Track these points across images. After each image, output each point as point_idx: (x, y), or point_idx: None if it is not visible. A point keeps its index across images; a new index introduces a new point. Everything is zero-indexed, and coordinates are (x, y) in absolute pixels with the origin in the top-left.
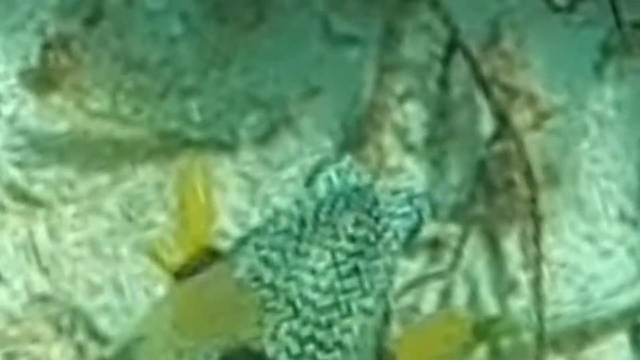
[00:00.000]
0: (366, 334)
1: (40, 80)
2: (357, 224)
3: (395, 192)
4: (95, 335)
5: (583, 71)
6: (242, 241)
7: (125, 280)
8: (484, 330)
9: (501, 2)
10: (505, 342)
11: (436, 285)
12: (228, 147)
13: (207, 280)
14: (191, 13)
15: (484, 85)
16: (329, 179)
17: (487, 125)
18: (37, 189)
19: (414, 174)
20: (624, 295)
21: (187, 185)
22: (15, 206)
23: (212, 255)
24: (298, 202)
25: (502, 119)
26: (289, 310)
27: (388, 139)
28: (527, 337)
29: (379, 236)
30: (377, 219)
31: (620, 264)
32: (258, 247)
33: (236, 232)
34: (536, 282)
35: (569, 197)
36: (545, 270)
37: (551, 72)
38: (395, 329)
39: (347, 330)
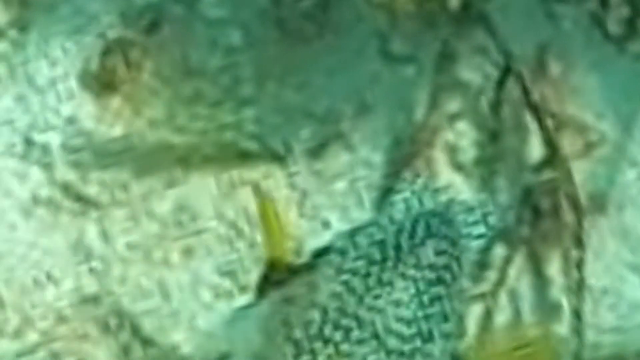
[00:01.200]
0: (445, 357)
1: (100, 83)
2: (438, 252)
3: (469, 210)
4: (140, 337)
5: (634, 101)
6: (318, 257)
7: (173, 285)
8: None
9: (553, 29)
10: None
11: (479, 306)
12: (280, 159)
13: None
14: (252, 24)
15: (535, 111)
16: (406, 201)
17: (536, 150)
18: (92, 190)
19: (462, 193)
20: None
21: (264, 204)
22: (69, 206)
23: (290, 270)
24: (377, 225)
25: (551, 145)
26: (374, 343)
27: (439, 157)
28: None
29: (457, 260)
30: (455, 244)
31: None
32: (340, 271)
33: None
34: (578, 308)
35: (615, 225)
36: (588, 296)
37: (602, 100)
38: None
39: (429, 356)
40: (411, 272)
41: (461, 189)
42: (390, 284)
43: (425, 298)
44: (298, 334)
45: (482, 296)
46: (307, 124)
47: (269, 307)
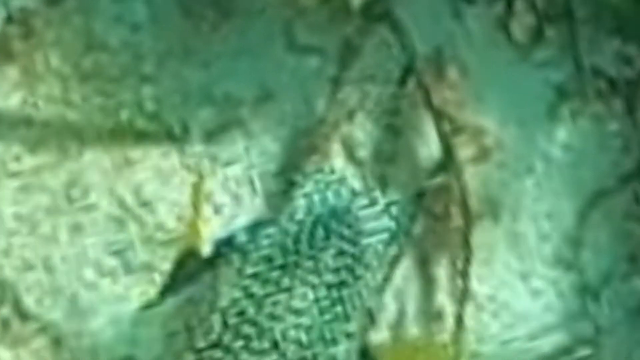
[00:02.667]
0: (351, 355)
1: None
2: (339, 254)
3: (372, 204)
4: (20, 311)
5: (536, 110)
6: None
7: (58, 260)
8: (405, 356)
9: (458, 30)
10: None
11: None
12: (177, 140)
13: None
14: (157, 1)
15: (433, 113)
16: (308, 197)
17: (432, 152)
18: None
19: (360, 188)
20: (549, 337)
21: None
22: None
23: (195, 265)
24: (278, 224)
25: (447, 149)
26: (274, 353)
27: (337, 151)
28: None
29: (358, 260)
30: (356, 243)
31: (548, 305)
32: (240, 275)
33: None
34: (460, 314)
35: (507, 233)
36: (472, 303)
37: (503, 107)
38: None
39: (333, 359)
40: (310, 277)
41: (358, 184)
42: (289, 290)
43: (325, 303)
44: (199, 342)
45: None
46: (207, 106)
47: (172, 309)
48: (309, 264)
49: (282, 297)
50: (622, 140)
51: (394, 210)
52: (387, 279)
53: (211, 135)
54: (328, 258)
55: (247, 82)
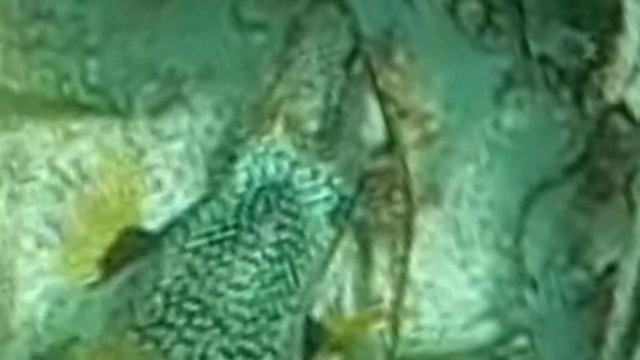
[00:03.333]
0: (295, 329)
1: None
2: (279, 228)
3: (314, 175)
4: None
5: (483, 96)
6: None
7: None
8: (341, 341)
9: (408, 14)
10: (358, 358)
11: None
12: (120, 114)
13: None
14: None
15: (378, 95)
16: (247, 170)
17: (376, 135)
18: None
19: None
20: (486, 326)
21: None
22: None
23: (137, 242)
24: (218, 199)
25: (391, 132)
26: (217, 329)
27: (279, 130)
28: (379, 358)
29: (300, 233)
30: (298, 216)
31: (487, 293)
32: (182, 251)
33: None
34: (397, 300)
35: (448, 219)
36: (411, 289)
37: (449, 92)
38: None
39: (275, 333)
40: (251, 252)
41: (299, 158)
42: (231, 266)
43: (267, 277)
44: (142, 320)
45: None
46: (151, 81)
47: (114, 289)
48: (250, 238)
49: (223, 272)
50: (568, 130)
51: (335, 182)
52: (327, 259)
53: (155, 111)
54: (269, 232)
55: (192, 58)
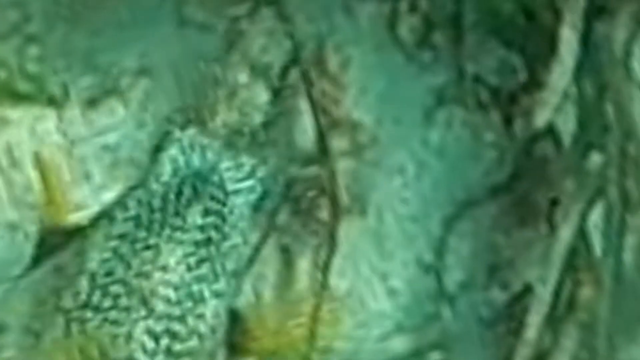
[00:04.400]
0: (221, 314)
1: None
2: (206, 212)
3: (238, 166)
4: None
5: (414, 112)
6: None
7: None
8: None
9: (347, 25)
10: None
11: None
12: (56, 104)
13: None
14: None
15: (312, 104)
16: (174, 159)
17: (306, 143)
18: None
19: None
20: (402, 339)
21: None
22: None
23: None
24: (145, 187)
25: (321, 141)
26: (142, 309)
27: (210, 126)
28: None
29: (226, 219)
30: (224, 203)
31: (404, 307)
32: (108, 237)
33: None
34: (317, 307)
35: (372, 231)
36: (330, 297)
37: (382, 106)
38: None
39: (201, 317)
40: (177, 234)
41: (231, 165)
42: (157, 248)
43: (193, 260)
44: (67, 303)
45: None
46: (89, 73)
47: (40, 277)
48: (176, 221)
49: (149, 254)
50: (496, 152)
51: (259, 174)
52: (253, 254)
53: (90, 103)
54: (195, 215)
55: (132, 53)
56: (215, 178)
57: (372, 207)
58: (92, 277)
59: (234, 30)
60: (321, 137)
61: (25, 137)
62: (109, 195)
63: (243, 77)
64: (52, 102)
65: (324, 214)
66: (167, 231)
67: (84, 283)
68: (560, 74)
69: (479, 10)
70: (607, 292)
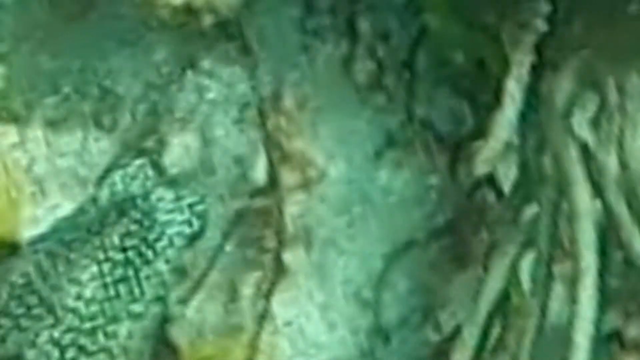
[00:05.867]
0: (136, 336)
1: None
2: (127, 234)
3: (177, 199)
4: None
5: (364, 152)
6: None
7: None
8: None
9: (305, 63)
10: None
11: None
12: (19, 121)
13: None
14: None
15: (265, 137)
16: (113, 185)
17: (258, 176)
18: None
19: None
20: None
21: None
22: None
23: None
24: (80, 209)
25: (272, 174)
26: (50, 318)
27: (159, 162)
28: None
29: (150, 246)
30: (149, 229)
31: (342, 340)
32: (35, 251)
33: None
34: (256, 334)
35: (315, 263)
36: (270, 326)
37: (334, 143)
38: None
39: (113, 335)
40: (95, 252)
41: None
42: (74, 263)
43: (109, 279)
44: None
45: (178, 300)
46: (54, 94)
47: None
48: (96, 240)
49: (65, 268)
50: (439, 196)
51: (198, 209)
52: (193, 284)
53: (52, 123)
54: (115, 237)
55: (94, 79)
56: (145, 205)
57: (317, 240)
58: (12, 286)
59: (192, 61)
60: (272, 170)
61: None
62: (61, 214)
63: (199, 106)
64: (16, 119)
65: (270, 244)
66: (86, 249)
67: (4, 292)
68: (503, 124)
69: (431, 58)
70: (530, 338)
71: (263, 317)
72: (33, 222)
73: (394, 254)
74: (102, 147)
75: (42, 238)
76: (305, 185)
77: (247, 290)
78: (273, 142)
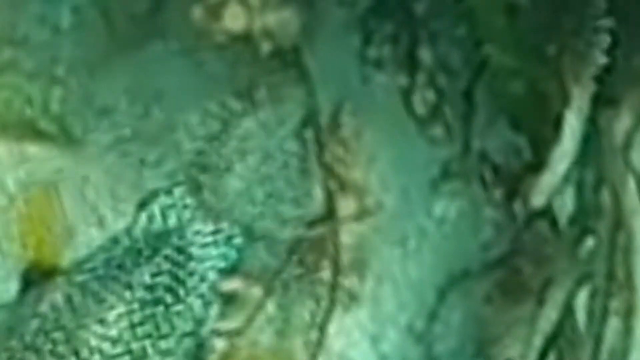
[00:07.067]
0: None
1: None
2: (158, 273)
3: (214, 233)
4: None
5: (420, 182)
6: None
7: None
8: None
9: (364, 93)
10: None
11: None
12: (76, 145)
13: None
14: (83, 10)
15: (322, 168)
16: (150, 216)
17: (315, 205)
18: None
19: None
20: None
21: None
22: None
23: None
24: (115, 239)
25: (328, 204)
26: (74, 358)
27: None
28: None
29: (182, 282)
30: (181, 265)
31: None
32: (70, 283)
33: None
34: None
35: (369, 294)
36: (323, 357)
37: (390, 173)
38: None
39: None
40: (123, 291)
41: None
42: (103, 302)
43: (136, 318)
44: (14, 342)
45: (227, 333)
46: (108, 117)
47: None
48: (125, 277)
49: (94, 307)
50: (495, 228)
51: (236, 242)
52: (249, 319)
53: (108, 148)
54: (146, 276)
55: (149, 104)
56: (180, 240)
57: (371, 272)
58: (43, 320)
59: (251, 88)
60: (329, 200)
61: (40, 173)
62: (99, 241)
63: (256, 134)
64: (72, 142)
65: (325, 274)
66: (116, 287)
67: (34, 325)
68: (561, 157)
69: (491, 89)
70: None
71: (317, 348)
72: (73, 247)
73: (447, 285)
74: (150, 174)
75: (78, 265)
76: (362, 215)
77: (301, 320)
78: (330, 172)
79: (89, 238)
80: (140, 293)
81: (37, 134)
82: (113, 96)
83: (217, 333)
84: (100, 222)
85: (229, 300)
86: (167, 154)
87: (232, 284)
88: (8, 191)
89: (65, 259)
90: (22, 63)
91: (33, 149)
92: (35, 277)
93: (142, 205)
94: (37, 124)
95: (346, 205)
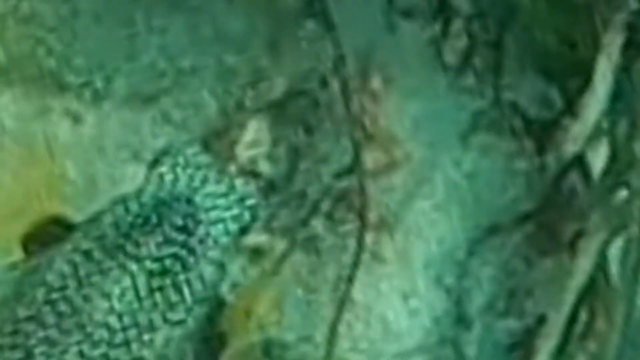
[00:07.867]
0: (174, 342)
1: None
2: (165, 242)
3: (225, 195)
4: None
5: (449, 134)
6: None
7: None
8: (274, 353)
9: (390, 42)
10: None
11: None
12: (100, 97)
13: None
14: None
15: (349, 117)
16: (160, 177)
17: (341, 156)
18: None
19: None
20: (417, 358)
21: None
22: None
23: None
24: (124, 204)
25: (355, 156)
26: (79, 334)
27: (246, 138)
28: None
29: (191, 250)
30: (190, 233)
31: (422, 327)
32: (75, 250)
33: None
34: (335, 320)
35: (397, 249)
36: (350, 311)
37: (418, 125)
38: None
39: (148, 344)
40: (129, 263)
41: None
42: (107, 273)
43: (143, 290)
44: (20, 312)
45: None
46: (133, 72)
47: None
48: (132, 249)
49: (98, 279)
50: (526, 180)
51: (248, 203)
52: (271, 275)
53: (128, 100)
54: (152, 246)
55: (172, 58)
56: (188, 207)
57: (400, 225)
58: (49, 290)
59: (274, 39)
60: (356, 152)
61: (62, 128)
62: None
63: (280, 87)
64: (97, 95)
65: (351, 227)
66: (121, 257)
67: (39, 294)
68: (593, 105)
69: (521, 39)
70: (619, 325)
71: (343, 301)
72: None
73: (477, 239)
74: (157, 133)
75: (83, 232)
76: (389, 167)
77: (328, 273)
78: (357, 123)
79: (102, 197)
80: (146, 264)
81: (60, 86)
82: (132, 51)
83: (236, 287)
84: (113, 181)
85: (252, 254)
86: (192, 113)
87: (255, 238)
88: (31, 144)
89: (78, 218)
90: (44, 14)
91: (55, 101)
92: (45, 239)
93: (154, 164)
94: (59, 76)
95: (373, 157)
